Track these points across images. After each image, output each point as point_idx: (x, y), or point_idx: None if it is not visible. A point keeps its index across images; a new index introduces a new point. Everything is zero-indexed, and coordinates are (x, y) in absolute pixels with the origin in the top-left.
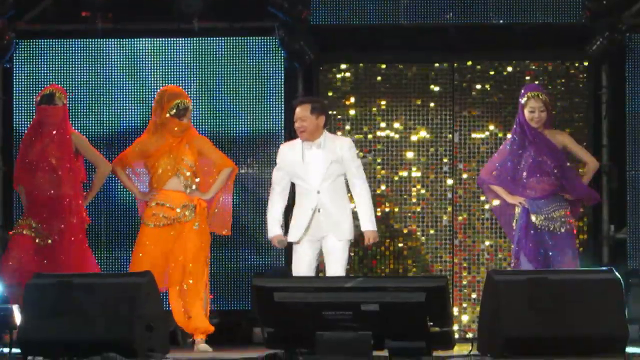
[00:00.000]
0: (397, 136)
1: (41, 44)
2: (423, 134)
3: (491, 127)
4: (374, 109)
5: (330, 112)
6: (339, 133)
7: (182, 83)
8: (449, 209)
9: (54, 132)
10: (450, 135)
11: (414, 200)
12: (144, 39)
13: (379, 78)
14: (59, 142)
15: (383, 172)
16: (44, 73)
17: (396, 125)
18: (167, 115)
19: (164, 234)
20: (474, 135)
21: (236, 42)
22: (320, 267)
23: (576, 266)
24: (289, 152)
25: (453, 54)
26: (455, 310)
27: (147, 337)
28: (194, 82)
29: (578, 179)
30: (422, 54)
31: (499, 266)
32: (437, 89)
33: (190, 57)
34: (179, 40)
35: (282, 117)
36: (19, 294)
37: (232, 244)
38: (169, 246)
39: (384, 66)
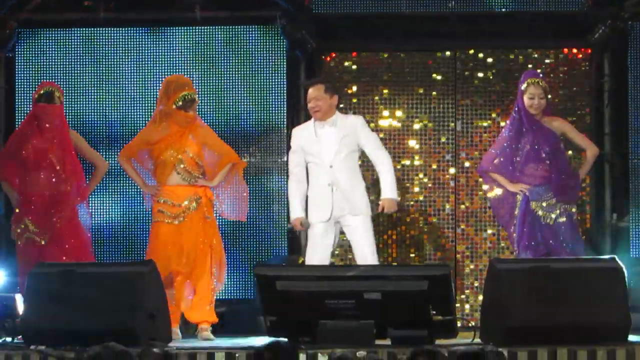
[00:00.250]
0: (399, 125)
1: (43, 33)
2: (425, 122)
3: (493, 116)
4: (376, 97)
5: None
6: None
7: (183, 72)
8: (452, 197)
9: (55, 130)
10: (453, 124)
11: (416, 189)
12: (145, 28)
13: (381, 67)
14: (60, 141)
15: None
16: (46, 62)
17: (398, 113)
18: (173, 106)
19: (173, 229)
20: (476, 123)
21: (238, 31)
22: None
23: (580, 253)
24: (302, 134)
25: (455, 42)
26: (458, 299)
27: (149, 326)
28: (195, 71)
29: (568, 171)
30: (424, 43)
31: (502, 254)
32: (439, 77)
33: (192, 46)
34: (180, 29)
35: (285, 105)
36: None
37: (235, 232)
38: (178, 239)
39: (386, 55)
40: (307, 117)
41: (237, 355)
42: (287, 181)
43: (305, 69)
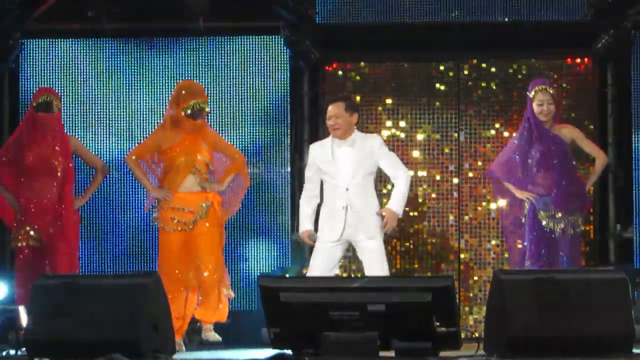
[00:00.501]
0: (402, 135)
1: (46, 44)
2: (429, 133)
3: (497, 126)
4: (380, 107)
5: None
6: None
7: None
8: (455, 208)
9: (55, 138)
10: (456, 134)
11: (420, 199)
12: (149, 39)
13: (384, 77)
14: (62, 148)
15: None
16: (49, 73)
17: (402, 124)
18: (182, 113)
19: (184, 237)
20: (479, 134)
21: (241, 41)
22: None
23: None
24: (319, 151)
25: (458, 52)
26: (462, 310)
27: (153, 338)
28: (199, 82)
29: (574, 180)
30: (428, 53)
31: (506, 266)
32: (442, 87)
33: (196, 57)
34: (184, 40)
35: (288, 116)
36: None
37: (239, 243)
38: (188, 246)
39: (389, 65)
40: (311, 129)
41: None
42: (290, 192)
43: (309, 79)
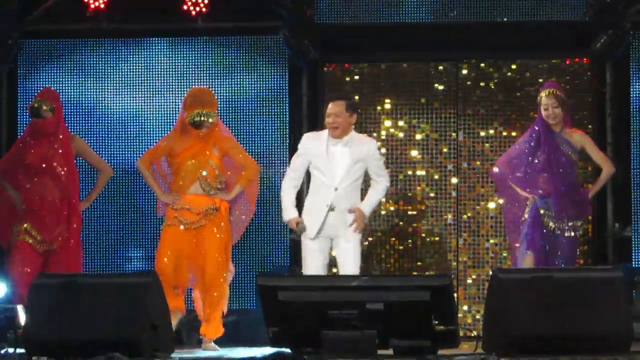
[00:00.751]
0: (401, 135)
1: (45, 44)
2: (427, 132)
3: (495, 126)
4: (379, 107)
5: None
6: None
7: (187, 83)
8: (454, 207)
9: (53, 139)
10: (455, 134)
11: (418, 199)
12: (149, 39)
13: (383, 77)
14: (61, 148)
15: (387, 171)
16: (48, 73)
17: (400, 124)
18: (187, 120)
19: (186, 235)
20: (478, 133)
21: (241, 41)
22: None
23: None
24: (313, 142)
25: (457, 52)
26: (460, 309)
27: (152, 337)
28: (198, 82)
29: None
30: (426, 53)
31: (504, 264)
32: (441, 87)
33: (195, 57)
34: (183, 40)
35: (287, 115)
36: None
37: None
38: (192, 247)
39: (388, 65)
40: (310, 128)
41: None
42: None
43: (308, 79)
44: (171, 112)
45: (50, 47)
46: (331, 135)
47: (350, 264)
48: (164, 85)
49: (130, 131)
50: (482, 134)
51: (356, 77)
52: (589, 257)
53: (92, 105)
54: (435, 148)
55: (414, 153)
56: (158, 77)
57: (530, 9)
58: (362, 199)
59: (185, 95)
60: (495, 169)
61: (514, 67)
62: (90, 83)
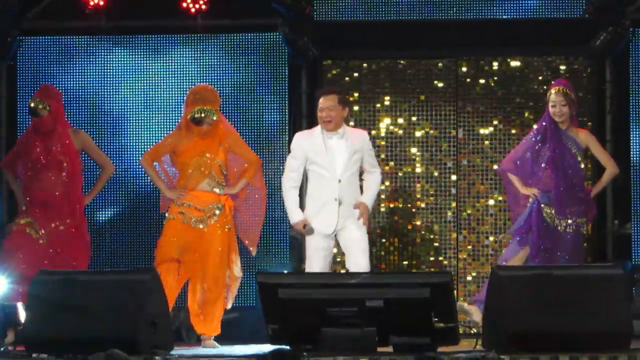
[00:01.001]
0: (401, 132)
1: (45, 41)
2: (427, 130)
3: (495, 123)
4: (378, 105)
5: None
6: None
7: (186, 80)
8: (453, 204)
9: (54, 137)
10: (454, 131)
11: (418, 196)
12: (148, 36)
13: (382, 74)
14: (62, 144)
15: (387, 168)
16: (47, 70)
17: (400, 121)
18: (188, 117)
19: (189, 230)
20: (477, 130)
21: (240, 39)
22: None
23: None
24: (307, 140)
25: (457, 49)
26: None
27: (151, 334)
28: (197, 79)
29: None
30: (426, 50)
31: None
32: (440, 84)
33: (194, 55)
34: (182, 37)
35: (287, 113)
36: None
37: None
38: (194, 243)
39: (387, 62)
40: (310, 125)
41: None
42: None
43: (307, 76)
44: (171, 109)
45: (49, 44)
46: (325, 130)
47: (360, 254)
48: (163, 83)
49: (131, 129)
50: (482, 131)
51: (355, 74)
52: (588, 254)
53: (91, 102)
54: (434, 145)
55: (414, 150)
56: (158, 74)
57: (530, 5)
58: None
59: (187, 93)
60: (502, 167)
61: (513, 64)
62: (90, 80)
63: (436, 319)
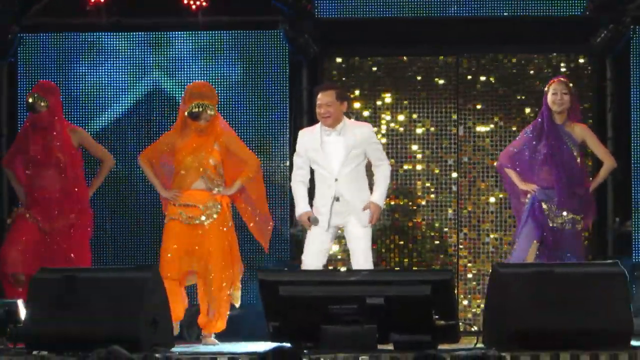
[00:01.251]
0: (401, 129)
1: (45, 39)
2: (428, 127)
3: (496, 120)
4: (379, 102)
5: None
6: None
7: (186, 77)
8: (454, 202)
9: (51, 133)
10: (455, 129)
11: (419, 193)
12: (148, 33)
13: (383, 71)
14: (60, 140)
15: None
16: (48, 67)
17: (401, 118)
18: (186, 114)
19: (189, 231)
20: (478, 128)
21: (241, 36)
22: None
23: None
24: (307, 138)
25: (458, 47)
26: (460, 304)
27: (152, 332)
28: (198, 76)
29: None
30: (427, 47)
31: (504, 259)
32: (441, 82)
33: (195, 51)
34: (183, 34)
35: (287, 110)
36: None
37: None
38: (195, 243)
39: (388, 59)
40: (310, 123)
41: None
42: (290, 185)
43: (308, 73)
44: (171, 106)
45: (50, 41)
46: (324, 126)
47: (359, 253)
48: (164, 80)
49: (131, 125)
50: (483, 128)
51: (356, 72)
52: (589, 252)
53: (91, 99)
54: (435, 142)
55: (415, 147)
56: (158, 71)
57: (531, 3)
58: (368, 180)
59: (184, 90)
60: (498, 162)
61: (514, 61)
62: (90, 77)
63: (437, 317)
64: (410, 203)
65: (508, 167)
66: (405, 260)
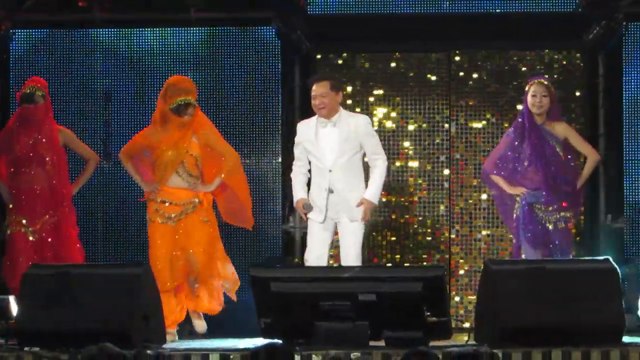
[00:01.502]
0: (393, 126)
1: (37, 34)
2: (420, 123)
3: (488, 117)
4: (371, 98)
5: None
6: None
7: (178, 73)
8: (446, 198)
9: (41, 129)
10: (447, 125)
11: (411, 190)
12: (141, 29)
13: (375, 68)
14: (48, 137)
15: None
16: (40, 63)
17: (393, 114)
18: (169, 109)
19: (172, 230)
20: (470, 124)
21: (233, 32)
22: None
23: None
24: (304, 129)
25: (450, 43)
26: (452, 300)
27: (144, 328)
28: (190, 72)
29: (564, 177)
30: (419, 43)
31: (496, 256)
32: (434, 78)
33: (187, 48)
34: (175, 30)
35: (280, 106)
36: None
37: (230, 233)
38: (181, 244)
39: (380, 55)
40: (302, 119)
41: (231, 356)
42: (281, 182)
43: (300, 69)
44: None
45: (42, 36)
46: (319, 117)
47: (349, 247)
48: (156, 76)
49: (122, 121)
50: (475, 124)
51: (349, 68)
52: (581, 249)
53: (83, 95)
54: (427, 139)
55: (407, 144)
56: (150, 67)
57: (523, 0)
58: (364, 172)
59: (163, 86)
60: (484, 171)
61: (507, 58)
62: (82, 73)
63: (429, 313)
64: (402, 200)
65: (494, 173)
66: (397, 256)
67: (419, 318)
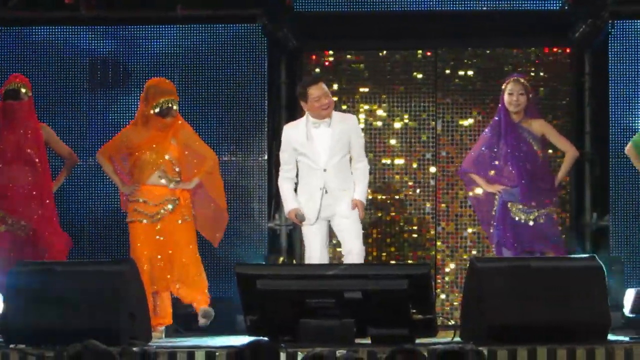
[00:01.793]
0: (379, 124)
1: (23, 32)
2: (406, 121)
3: (474, 114)
4: (357, 96)
5: None
6: None
7: (165, 71)
8: (432, 196)
9: (25, 125)
10: (433, 123)
11: (396, 187)
12: (126, 27)
13: (361, 65)
14: (33, 134)
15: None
16: (25, 60)
17: (379, 112)
18: (151, 111)
19: (151, 229)
20: (456, 122)
21: (219, 29)
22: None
23: (562, 252)
24: (292, 132)
25: (436, 40)
26: (438, 298)
27: (130, 325)
28: (176, 70)
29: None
30: (405, 41)
31: (482, 253)
32: (420, 76)
33: (173, 45)
34: (162, 28)
35: (266, 104)
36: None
37: None
38: (160, 241)
39: (367, 53)
40: (289, 117)
41: (217, 354)
42: (267, 179)
43: (286, 67)
44: None
45: (28, 34)
46: (316, 118)
47: (354, 239)
48: (142, 73)
49: (106, 120)
50: (461, 122)
51: (335, 66)
52: (567, 246)
53: (68, 93)
54: (413, 136)
55: (393, 141)
56: (136, 65)
57: None
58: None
59: (144, 88)
60: (462, 170)
61: (493, 55)
62: (68, 71)
63: (414, 311)
64: (388, 197)
65: (472, 171)
66: (383, 254)
67: (405, 316)
